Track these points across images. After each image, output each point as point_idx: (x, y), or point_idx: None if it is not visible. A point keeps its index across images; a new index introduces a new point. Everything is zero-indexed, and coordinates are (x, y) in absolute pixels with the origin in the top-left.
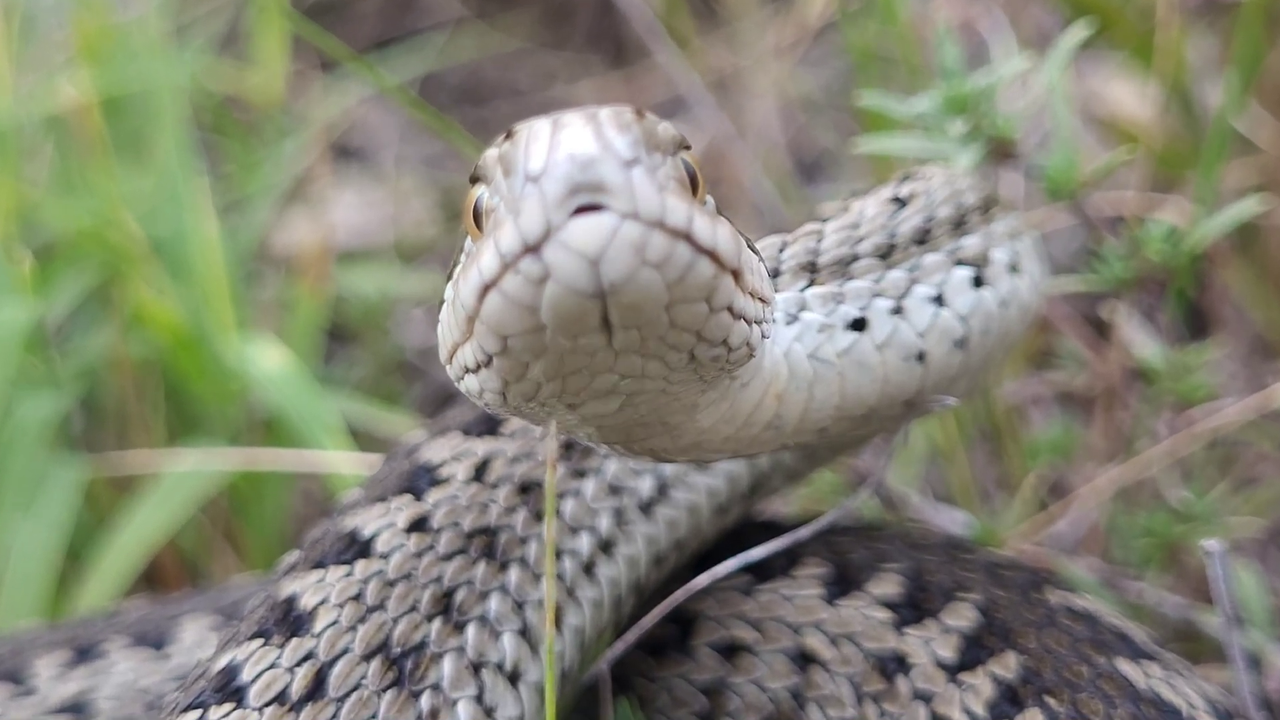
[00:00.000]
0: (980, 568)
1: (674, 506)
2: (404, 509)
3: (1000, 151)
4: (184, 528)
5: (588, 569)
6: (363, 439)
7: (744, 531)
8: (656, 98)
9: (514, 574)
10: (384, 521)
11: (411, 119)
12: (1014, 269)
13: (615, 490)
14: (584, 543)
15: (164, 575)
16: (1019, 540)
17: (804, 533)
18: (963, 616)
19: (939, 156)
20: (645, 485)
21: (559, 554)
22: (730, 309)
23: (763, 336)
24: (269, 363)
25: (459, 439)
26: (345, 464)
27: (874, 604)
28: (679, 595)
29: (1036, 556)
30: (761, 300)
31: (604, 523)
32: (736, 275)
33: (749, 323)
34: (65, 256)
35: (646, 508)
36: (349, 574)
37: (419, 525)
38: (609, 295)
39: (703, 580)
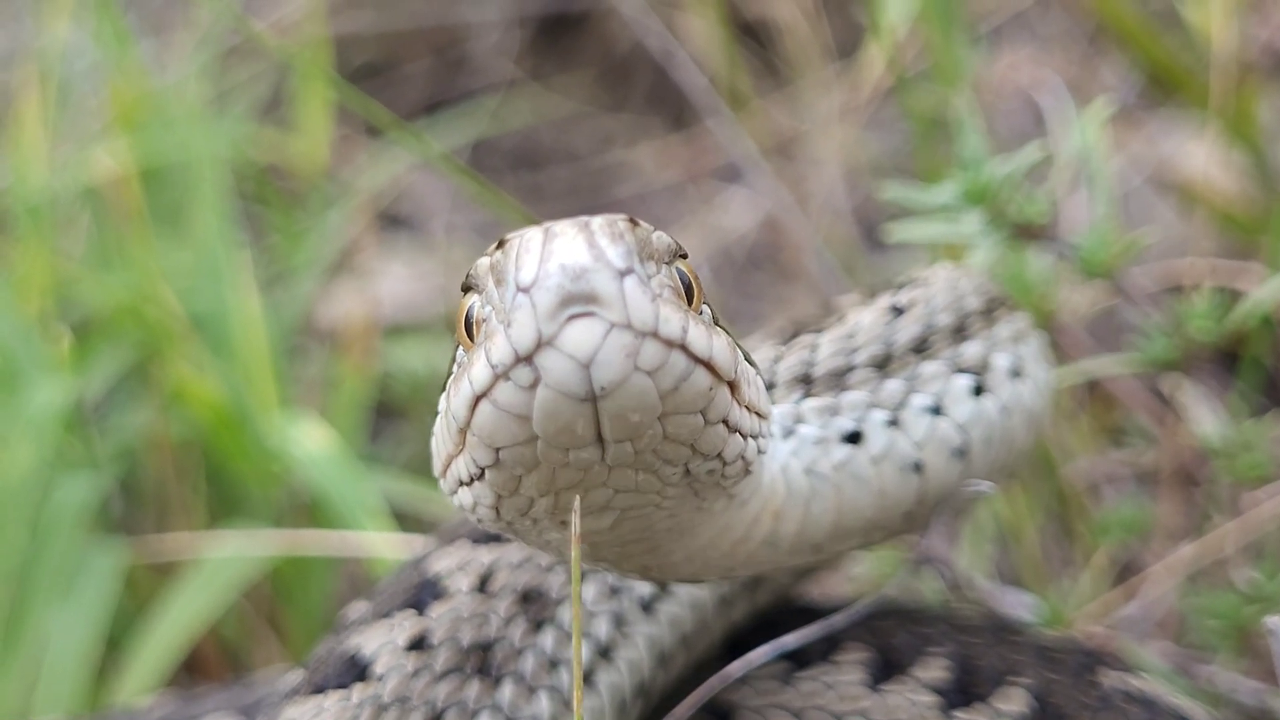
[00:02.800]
0: (1030, 650)
1: (676, 602)
2: (406, 627)
3: (1028, 235)
4: (226, 615)
5: (587, 677)
6: (408, 520)
7: (781, 617)
8: (718, 161)
9: (507, 690)
10: (385, 640)
11: (462, 186)
12: (1016, 374)
13: (615, 592)
14: (583, 650)
15: (205, 664)
16: (1088, 622)
17: (840, 619)
18: (1015, 701)
19: (966, 242)
20: (646, 585)
21: (555, 665)
22: (726, 422)
23: (759, 452)
24: (312, 443)
25: (466, 548)
26: (388, 547)
27: (921, 689)
28: (712, 684)
29: (1106, 639)
30: (758, 414)
31: (603, 628)
32: (733, 387)
33: (744, 437)
34: (102, 333)
35: (647, 606)
36: (345, 699)
37: (419, 643)
38: (600, 400)
39: (737, 668)
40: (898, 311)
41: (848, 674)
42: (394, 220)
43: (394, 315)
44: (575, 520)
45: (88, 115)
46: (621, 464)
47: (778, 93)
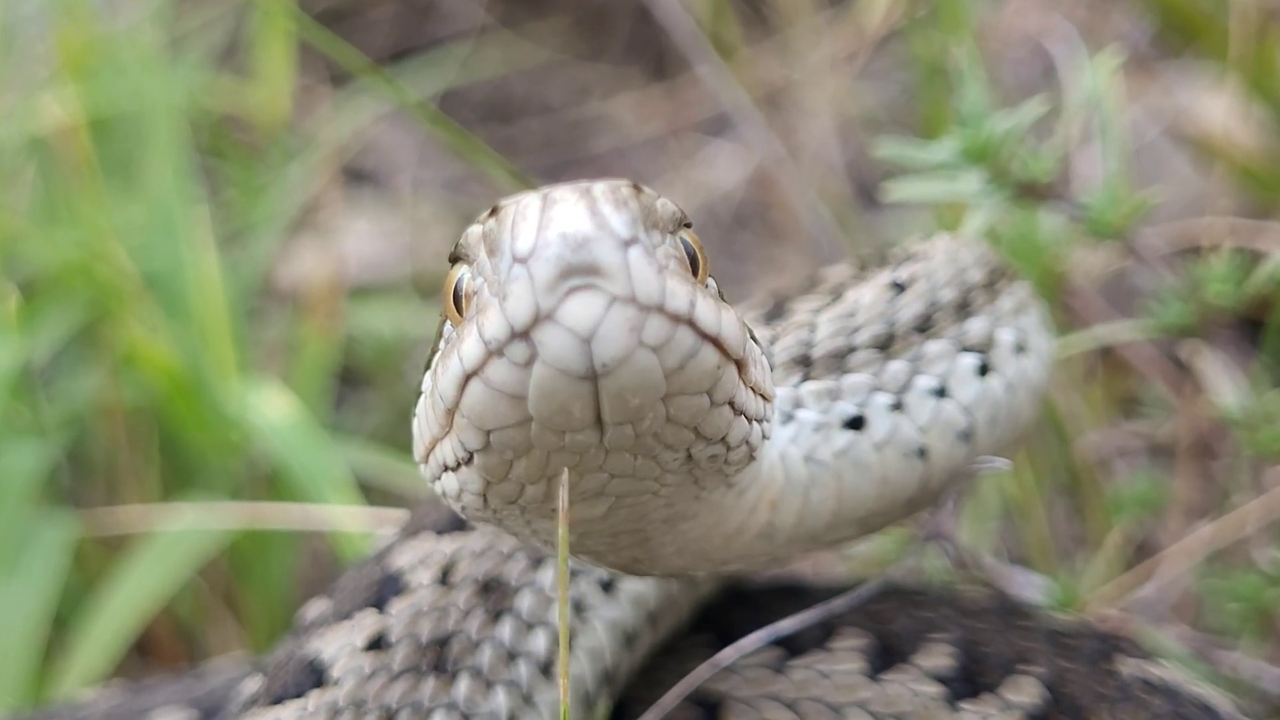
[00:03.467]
0: (1042, 636)
1: (638, 579)
2: (365, 626)
3: (1034, 194)
4: (180, 593)
5: (545, 669)
6: (375, 493)
7: (772, 600)
8: (702, 114)
9: (463, 685)
10: (344, 642)
11: (431, 139)
12: (1021, 349)
13: (572, 575)
14: (540, 642)
15: (158, 646)
16: (1101, 605)
17: (841, 603)
18: (1025, 691)
19: (966, 202)
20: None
21: (513, 658)
22: (732, 404)
23: (763, 437)
24: (273, 410)
25: (430, 541)
26: (354, 521)
27: (923, 678)
28: (701, 672)
29: (1121, 624)
30: (763, 396)
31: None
32: (740, 366)
33: (750, 420)
34: (50, 292)
35: (607, 586)
36: (302, 710)
37: (377, 642)
38: (601, 378)
39: (728, 655)
40: (899, 288)
41: (845, 662)
42: (358, 175)
43: (359, 275)
44: (563, 496)
45: (34, 62)
46: (620, 448)
47: (767, 41)
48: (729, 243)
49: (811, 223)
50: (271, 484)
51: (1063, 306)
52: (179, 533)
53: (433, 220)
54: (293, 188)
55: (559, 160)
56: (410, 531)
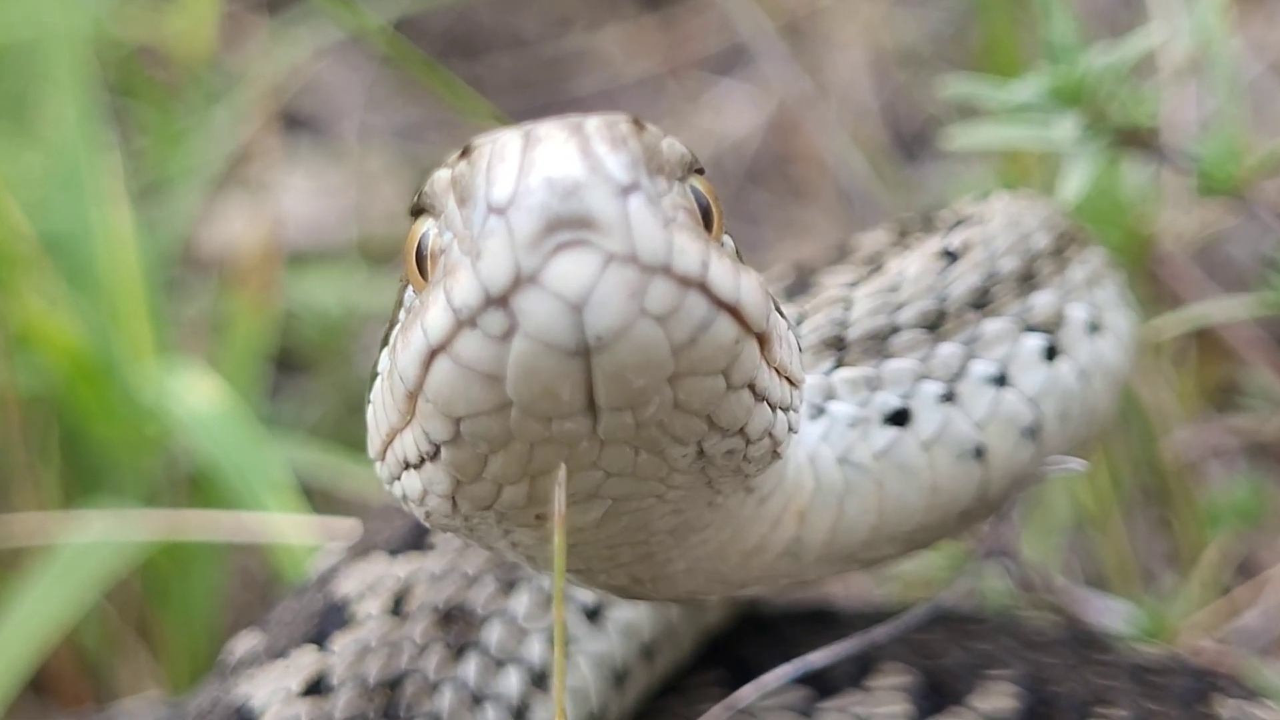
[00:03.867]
0: (1124, 672)
1: (630, 606)
2: (303, 666)
3: (1134, 141)
4: (85, 619)
5: (519, 714)
6: (319, 498)
7: (796, 628)
8: (708, 48)
9: None
10: (278, 686)
11: (382, 77)
12: (1095, 328)
13: (552, 602)
14: (513, 681)
15: (58, 683)
16: (1194, 635)
17: (882, 633)
18: None
19: (1051, 150)
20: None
21: (479, 701)
22: (752, 387)
23: (789, 430)
24: (197, 399)
25: (381, 562)
26: (296, 532)
27: None
28: (715, 714)
29: (1218, 657)
30: (790, 380)
31: (536, 649)
32: (763, 342)
33: (774, 408)
34: None
35: (593, 615)
36: None
37: (316, 686)
38: (595, 354)
39: (746, 694)
40: (951, 257)
41: (886, 704)
42: (296, 120)
43: (298, 240)
44: (560, 497)
45: None
46: (618, 440)
47: None
48: (741, 203)
49: (841, 178)
50: (195, 487)
51: (1148, 278)
52: (83, 546)
53: (384, 174)
54: (219, 135)
55: (533, 105)
56: (359, 551)
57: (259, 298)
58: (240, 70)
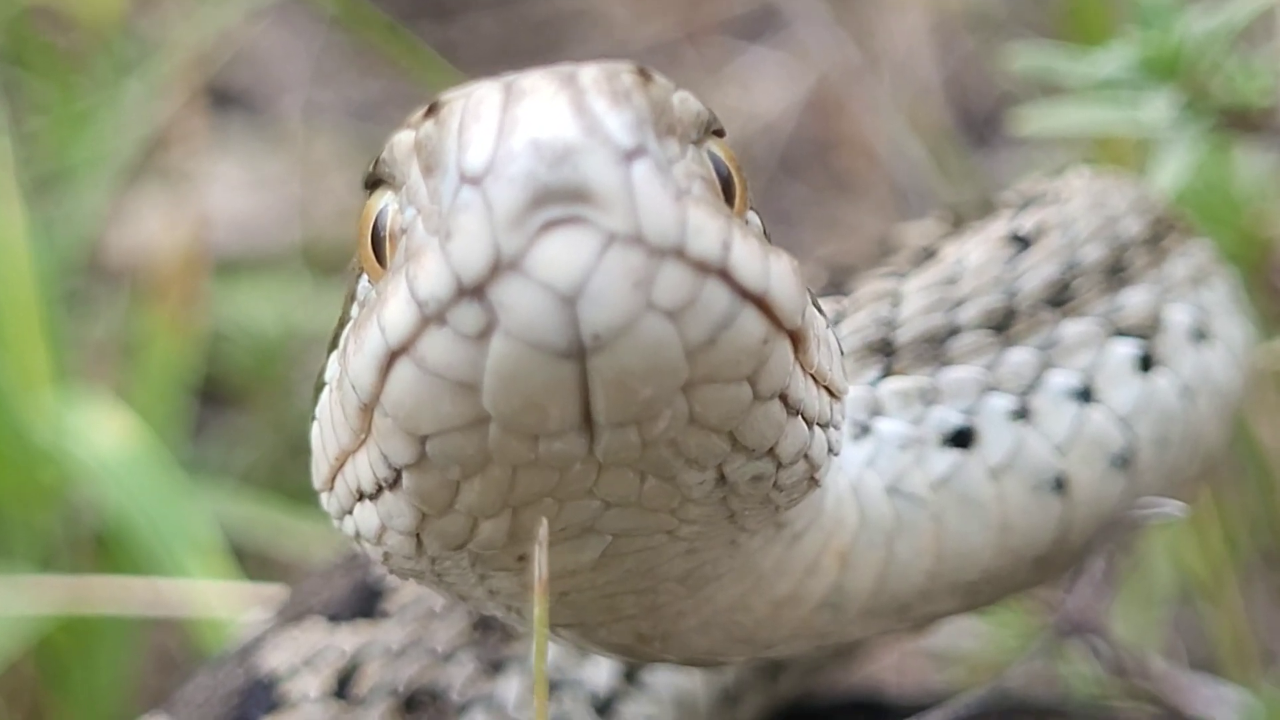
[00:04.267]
0: None
1: (650, 697)
2: None
3: (1243, 125)
4: None
5: None
6: (253, 561)
7: (840, 717)
8: (734, 7)
9: None
10: None
11: (332, 44)
12: (1202, 335)
13: (554, 686)
14: None
15: None
16: None
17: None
18: None
19: (1147, 136)
20: (601, 674)
21: None
22: (785, 398)
23: (829, 451)
24: (104, 438)
25: (319, 631)
26: (224, 602)
27: None
28: None
29: None
30: (829, 391)
31: None
32: (797, 341)
33: (810, 424)
34: None
35: (604, 708)
36: None
37: None
38: (592, 356)
39: None
40: (1022, 243)
41: None
42: (226, 96)
43: (228, 244)
44: (539, 557)
45: None
46: (620, 463)
47: None
48: (773, 197)
49: (895, 169)
50: (101, 548)
51: (1267, 290)
52: None
53: (335, 162)
54: (131, 114)
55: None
56: (290, 616)
57: (180, 315)
58: (158, 36)
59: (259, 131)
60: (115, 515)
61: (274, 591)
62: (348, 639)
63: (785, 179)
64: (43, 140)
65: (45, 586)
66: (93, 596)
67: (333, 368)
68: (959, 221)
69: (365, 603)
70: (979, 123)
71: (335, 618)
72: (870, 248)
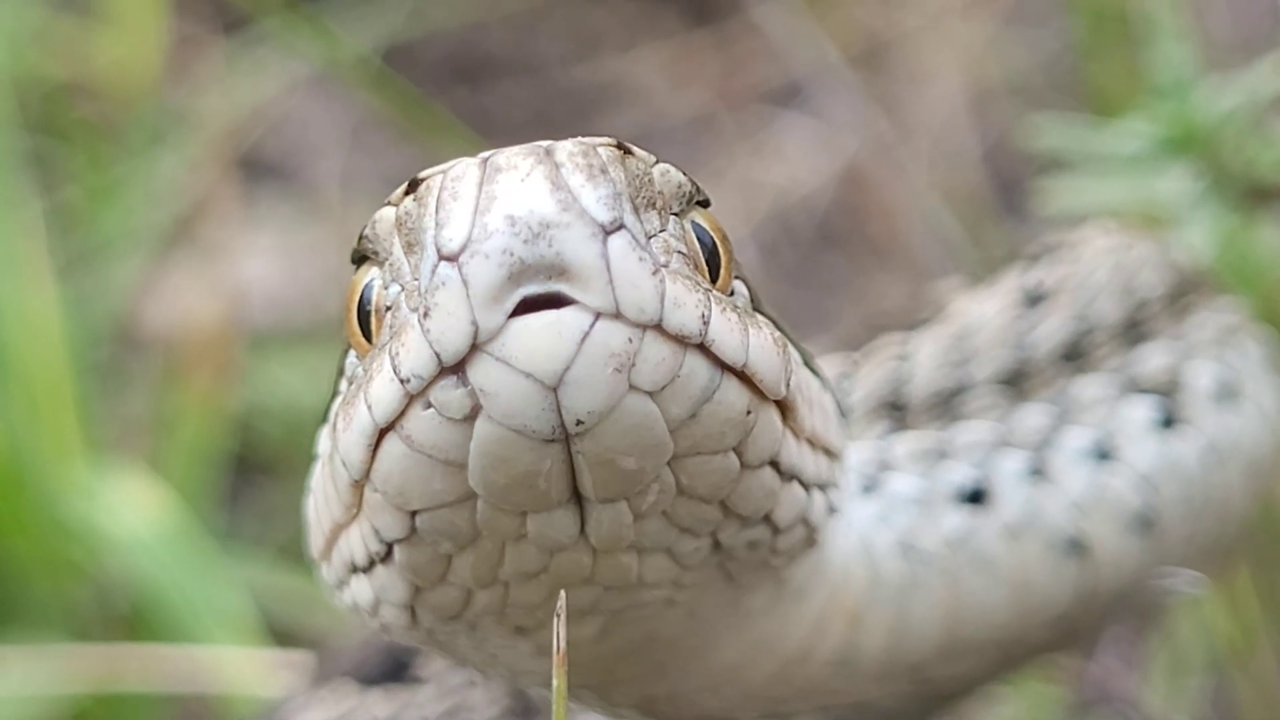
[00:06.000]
0: None
1: None
2: None
3: (1263, 197)
4: None
5: None
6: (283, 633)
7: None
8: (770, 76)
9: None
10: None
11: (369, 115)
12: (1228, 395)
13: None
14: None
15: None
16: None
17: None
18: None
19: (1163, 213)
20: None
21: None
22: (776, 464)
23: (828, 510)
24: (136, 512)
25: (350, 694)
26: (258, 676)
27: None
28: None
29: None
30: (826, 451)
31: None
32: (785, 409)
33: (806, 486)
34: None
35: None
36: None
37: None
38: (577, 437)
39: None
40: (1034, 299)
41: None
42: (259, 166)
43: (261, 317)
44: (558, 629)
45: None
46: (614, 545)
47: None
48: (810, 269)
49: (929, 239)
50: (133, 623)
51: None
52: None
53: None
54: (164, 186)
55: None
56: (319, 679)
57: (213, 387)
58: (192, 106)
59: (293, 201)
60: (147, 589)
61: (302, 659)
62: (381, 703)
63: (824, 249)
64: (75, 211)
65: (77, 658)
66: (124, 668)
67: (324, 442)
68: (981, 276)
69: (398, 663)
70: (1016, 193)
71: (367, 680)
72: (906, 302)
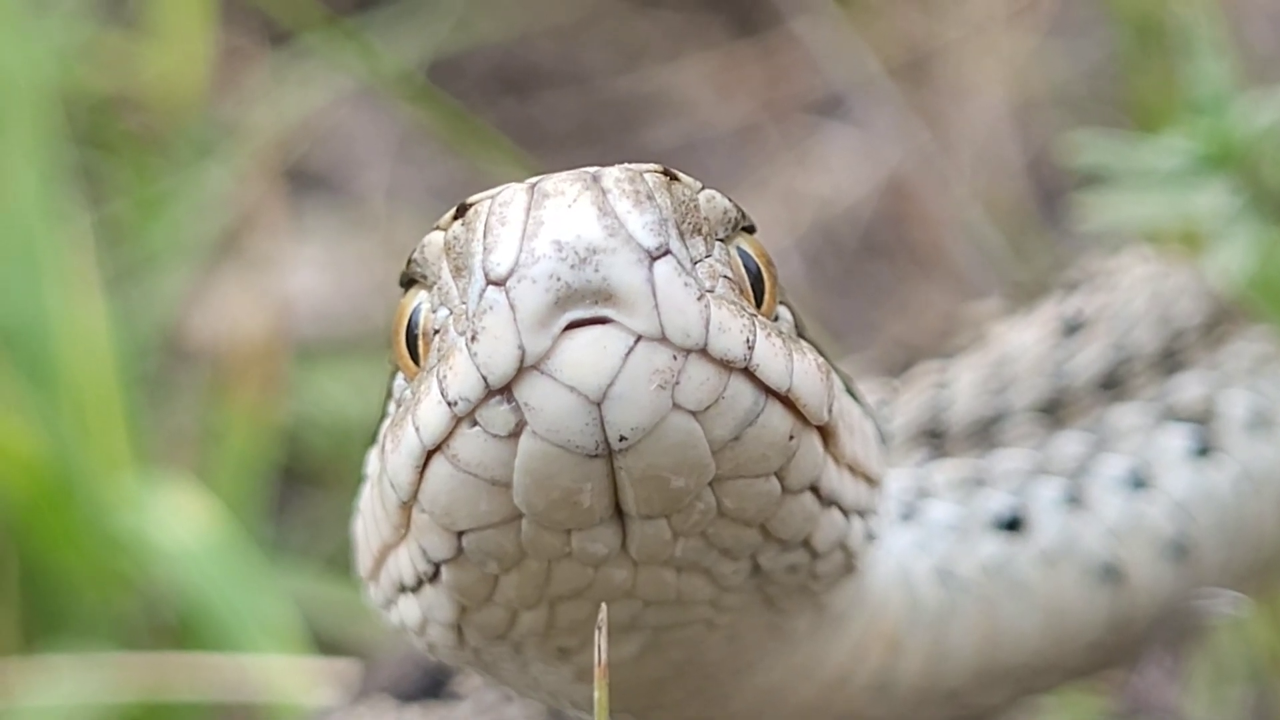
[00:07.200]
0: None
1: None
2: None
3: None
4: None
5: None
6: (329, 643)
7: None
8: (813, 88)
9: None
10: None
11: (415, 127)
12: (1261, 425)
13: None
14: None
15: None
16: None
17: None
18: None
19: (1201, 229)
20: None
21: None
22: (816, 490)
23: (868, 537)
24: (183, 523)
25: (388, 710)
26: (301, 684)
27: None
28: None
29: None
30: (866, 477)
31: None
32: (827, 435)
33: (846, 513)
34: None
35: None
36: None
37: None
38: (620, 455)
39: None
40: (1073, 328)
41: None
42: (306, 178)
43: (309, 328)
44: (600, 644)
45: None
46: (654, 558)
47: None
48: (852, 280)
49: (972, 250)
50: (181, 633)
51: None
52: (45, 704)
53: (416, 244)
54: (211, 198)
55: (598, 156)
56: (357, 695)
57: (260, 399)
58: (238, 119)
59: (340, 213)
60: (194, 599)
61: (347, 668)
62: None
63: (868, 259)
64: (123, 224)
65: (125, 666)
66: (172, 677)
67: (372, 463)
68: (1028, 298)
69: (435, 679)
70: (1061, 203)
71: (406, 696)
72: (940, 323)
